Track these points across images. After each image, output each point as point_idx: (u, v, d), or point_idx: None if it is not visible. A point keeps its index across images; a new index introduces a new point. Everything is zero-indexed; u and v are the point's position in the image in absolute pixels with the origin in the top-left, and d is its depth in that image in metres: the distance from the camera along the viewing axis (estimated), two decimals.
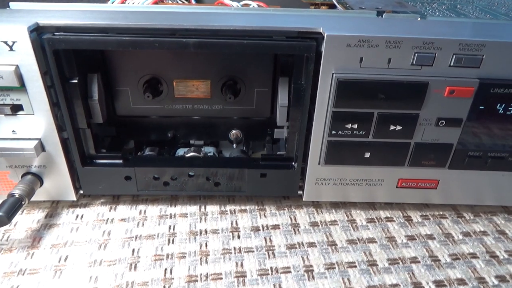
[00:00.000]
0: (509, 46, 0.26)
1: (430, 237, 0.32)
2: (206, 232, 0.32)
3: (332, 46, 0.26)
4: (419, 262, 0.29)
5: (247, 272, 0.28)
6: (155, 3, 0.41)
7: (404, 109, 0.28)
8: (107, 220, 0.32)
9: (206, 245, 0.30)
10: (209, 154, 0.35)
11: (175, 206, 0.34)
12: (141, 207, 0.34)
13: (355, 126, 0.29)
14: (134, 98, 0.33)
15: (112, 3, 0.40)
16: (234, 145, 0.36)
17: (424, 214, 0.34)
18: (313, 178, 0.32)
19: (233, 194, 0.35)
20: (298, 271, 0.28)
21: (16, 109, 0.28)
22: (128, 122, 0.34)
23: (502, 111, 0.28)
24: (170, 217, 0.33)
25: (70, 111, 0.29)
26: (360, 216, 0.34)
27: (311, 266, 0.29)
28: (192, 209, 0.34)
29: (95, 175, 0.32)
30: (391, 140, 0.29)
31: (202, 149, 0.35)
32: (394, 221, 0.33)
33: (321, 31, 0.26)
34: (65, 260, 0.28)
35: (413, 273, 0.28)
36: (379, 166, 0.31)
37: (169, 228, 0.32)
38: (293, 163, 0.32)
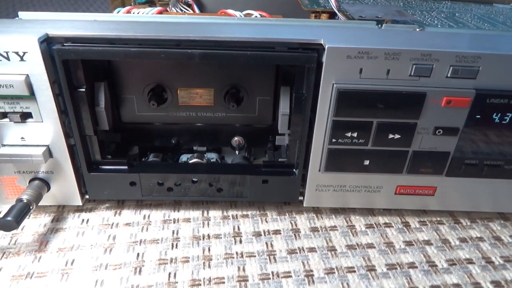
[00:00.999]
0: (504, 58, 0.27)
1: (428, 242, 0.32)
2: (209, 236, 0.32)
3: (333, 58, 0.27)
4: (416, 267, 0.30)
5: (249, 276, 0.29)
6: (160, 12, 0.42)
7: (403, 119, 0.29)
8: (112, 224, 0.33)
9: (209, 250, 0.31)
10: (212, 160, 0.36)
11: (179, 211, 0.35)
12: (145, 212, 0.35)
13: (355, 134, 0.29)
14: (139, 106, 0.34)
15: (118, 12, 0.41)
16: (237, 152, 0.36)
17: (422, 220, 0.35)
18: (313, 185, 0.33)
19: (235, 200, 0.36)
20: (298, 276, 0.29)
21: (25, 116, 0.28)
22: (133, 128, 0.35)
23: (497, 121, 0.29)
24: (174, 222, 0.34)
25: (78, 119, 0.29)
26: (359, 222, 0.34)
27: (311, 270, 0.29)
28: (195, 214, 0.35)
29: (101, 180, 0.33)
30: (389, 148, 0.30)
31: (205, 155, 0.36)
32: (392, 227, 0.34)
33: (322, 42, 0.27)
34: (72, 263, 0.29)
35: (410, 278, 0.29)
36: (378, 173, 0.32)
37: (173, 232, 0.32)
38: (294, 170, 0.33)
